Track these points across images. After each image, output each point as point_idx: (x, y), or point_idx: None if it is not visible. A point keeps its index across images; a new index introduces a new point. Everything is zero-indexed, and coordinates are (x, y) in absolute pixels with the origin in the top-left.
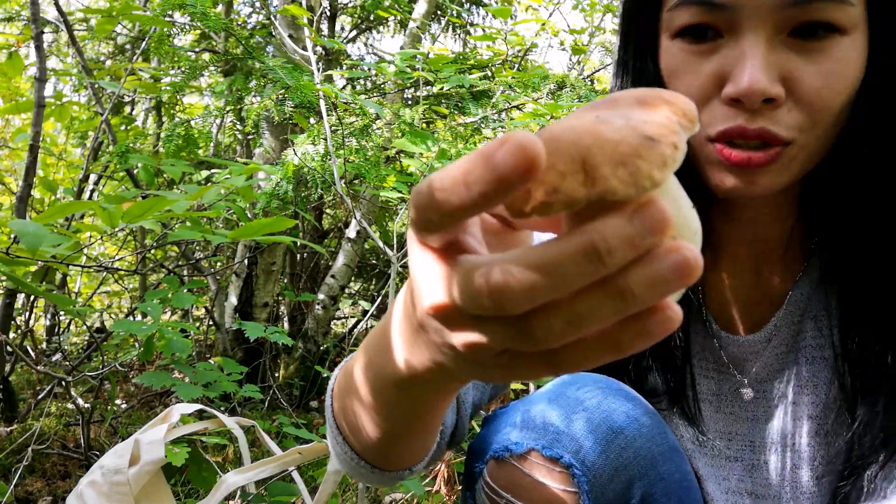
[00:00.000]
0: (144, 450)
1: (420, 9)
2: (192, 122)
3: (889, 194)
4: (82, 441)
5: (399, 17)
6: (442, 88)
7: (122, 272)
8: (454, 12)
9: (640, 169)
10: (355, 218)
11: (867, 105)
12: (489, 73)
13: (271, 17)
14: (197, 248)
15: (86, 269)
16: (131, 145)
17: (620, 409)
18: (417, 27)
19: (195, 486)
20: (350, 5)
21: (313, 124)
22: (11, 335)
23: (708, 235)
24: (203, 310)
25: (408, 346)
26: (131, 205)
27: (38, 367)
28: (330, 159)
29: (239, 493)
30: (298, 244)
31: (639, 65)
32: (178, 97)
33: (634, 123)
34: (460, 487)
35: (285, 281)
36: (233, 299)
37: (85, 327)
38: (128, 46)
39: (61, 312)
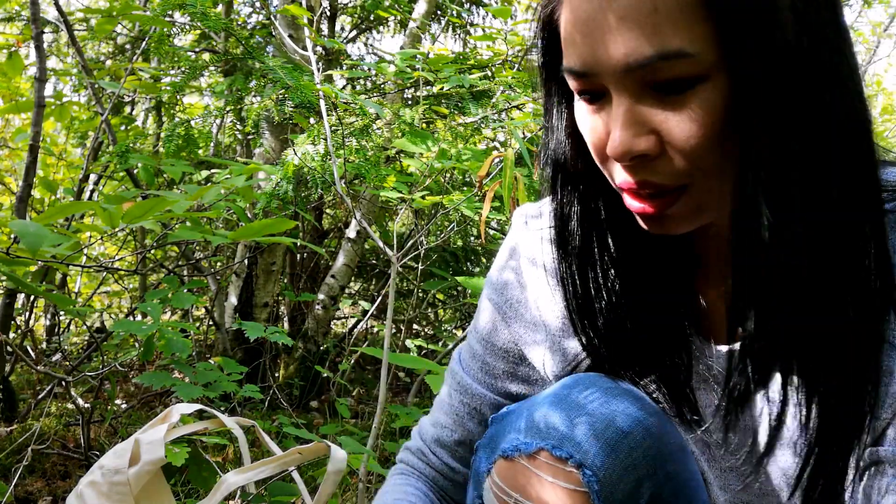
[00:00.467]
0: (144, 450)
1: (420, 9)
2: (192, 122)
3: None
4: (82, 441)
5: (399, 17)
6: (442, 88)
7: (122, 272)
8: (454, 12)
9: None
10: (355, 218)
11: (745, 132)
12: (489, 73)
13: (271, 17)
14: (197, 248)
15: (86, 269)
16: (131, 145)
17: (627, 410)
18: (417, 27)
19: (195, 486)
20: (350, 5)
21: (313, 124)
22: (11, 335)
23: (692, 251)
24: (203, 310)
25: None
26: (131, 205)
27: (38, 367)
28: (330, 159)
29: (239, 493)
30: (298, 244)
31: (558, 114)
32: (178, 97)
33: None
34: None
35: (285, 281)
36: (233, 299)
37: (85, 327)
38: (128, 46)
39: (61, 312)
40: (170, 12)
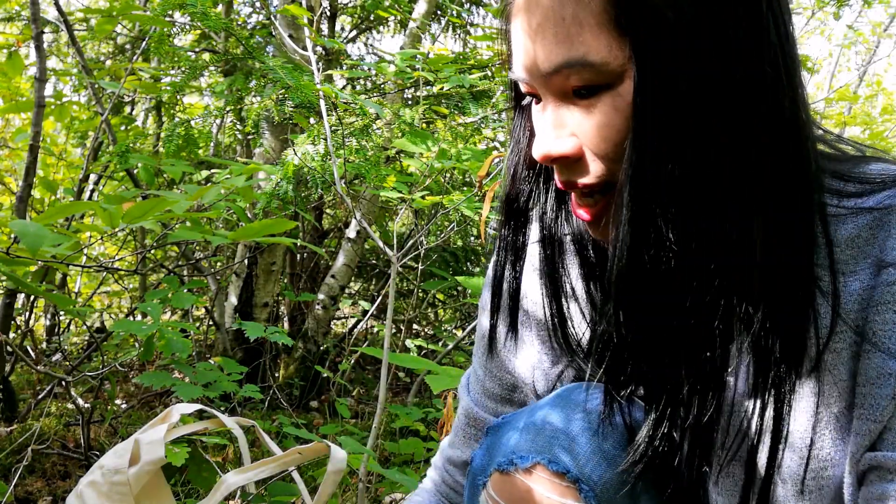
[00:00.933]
0: (144, 450)
1: (420, 9)
2: (192, 122)
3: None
4: (82, 441)
5: (399, 17)
6: (442, 88)
7: (122, 272)
8: (454, 12)
9: None
10: (355, 218)
11: (653, 133)
12: (489, 73)
13: (271, 17)
14: (197, 248)
15: (86, 269)
16: (131, 145)
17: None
18: (417, 27)
19: (195, 486)
20: (350, 5)
21: (313, 124)
22: (11, 335)
23: None
24: (203, 310)
25: None
26: (131, 205)
27: (38, 367)
28: (330, 159)
29: (239, 493)
30: (298, 244)
31: (520, 125)
32: (178, 97)
33: None
34: None
35: (285, 281)
36: (233, 299)
37: (85, 327)
38: (128, 46)
39: (61, 312)
40: (170, 12)
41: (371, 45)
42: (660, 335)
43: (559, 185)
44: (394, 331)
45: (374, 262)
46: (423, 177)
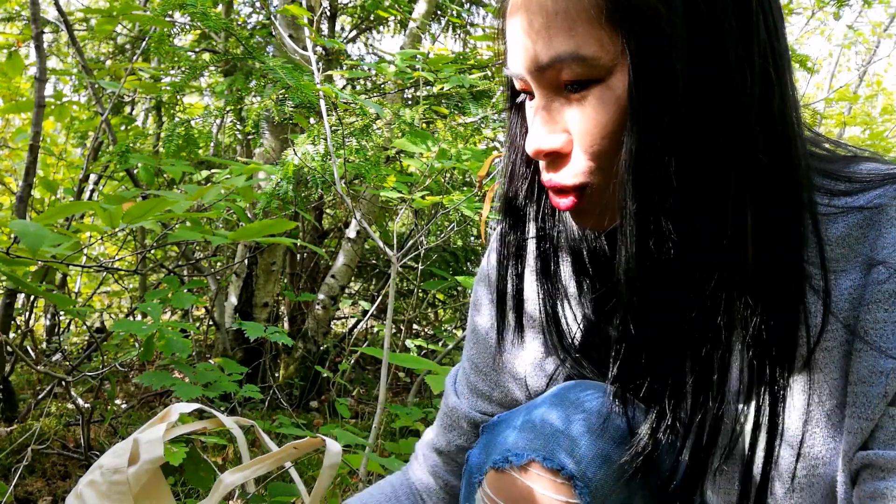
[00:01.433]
0: (143, 449)
1: (420, 9)
2: (192, 122)
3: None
4: (82, 441)
5: (399, 17)
6: (442, 88)
7: (122, 272)
8: (454, 12)
9: None
10: (355, 218)
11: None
12: (489, 73)
13: (271, 17)
14: (197, 248)
15: (86, 269)
16: (131, 145)
17: (623, 418)
18: (417, 27)
19: (193, 485)
20: (350, 5)
21: (313, 124)
22: (11, 335)
23: None
24: (203, 310)
25: None
26: (131, 205)
27: (38, 367)
28: (330, 159)
29: (238, 492)
30: (298, 244)
31: (516, 123)
32: (178, 97)
33: None
34: None
35: (285, 281)
36: (233, 299)
37: (85, 327)
38: (128, 46)
39: (61, 312)
40: (170, 12)
41: (371, 45)
42: (664, 329)
43: (543, 182)
44: (394, 331)
45: (374, 262)
46: (423, 177)
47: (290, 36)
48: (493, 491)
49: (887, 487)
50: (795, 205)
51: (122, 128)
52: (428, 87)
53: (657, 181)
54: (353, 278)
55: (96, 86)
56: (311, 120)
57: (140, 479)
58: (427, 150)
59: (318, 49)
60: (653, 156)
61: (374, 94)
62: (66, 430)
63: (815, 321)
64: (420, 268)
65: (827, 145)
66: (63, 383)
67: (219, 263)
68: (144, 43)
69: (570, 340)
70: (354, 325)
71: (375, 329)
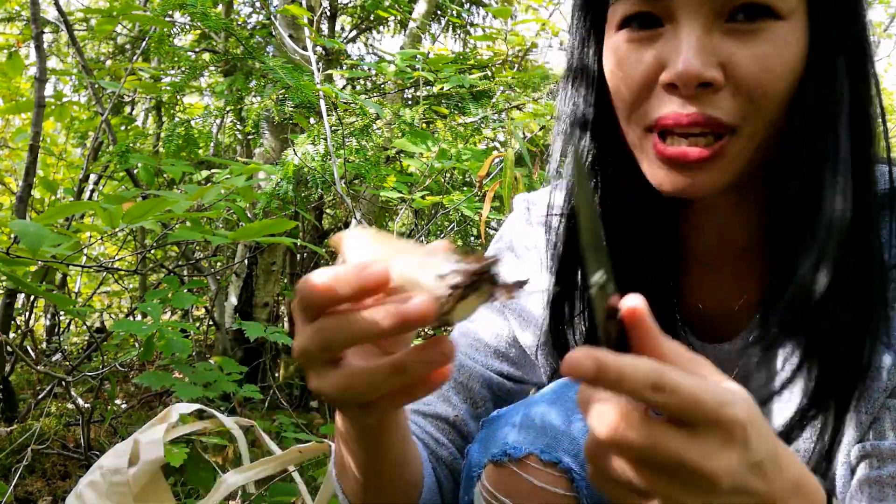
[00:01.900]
0: (144, 450)
1: (420, 9)
2: (192, 122)
3: (832, 188)
4: (82, 441)
5: (399, 17)
6: (442, 88)
7: (122, 272)
8: (454, 12)
9: None
10: (355, 218)
11: (808, 97)
12: (489, 73)
13: (271, 17)
14: (197, 248)
15: (86, 269)
16: (131, 145)
17: None
18: (417, 27)
19: (193, 486)
20: (350, 5)
21: (313, 124)
22: (11, 335)
23: (678, 243)
24: (203, 310)
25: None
26: (132, 205)
27: (38, 367)
28: (330, 159)
29: (239, 493)
30: (298, 244)
31: (585, 61)
32: (178, 97)
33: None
34: None
35: (285, 281)
36: (233, 299)
37: (85, 327)
38: (128, 46)
39: (61, 312)
40: (170, 12)
41: (371, 45)
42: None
43: (680, 118)
44: None
45: None
46: (423, 177)
47: (290, 36)
48: (492, 484)
49: (885, 475)
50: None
51: (122, 128)
52: (428, 87)
53: (830, 140)
54: None
55: (96, 86)
56: (311, 120)
57: (140, 480)
58: (427, 150)
59: (318, 49)
60: (825, 111)
61: (374, 94)
62: (66, 430)
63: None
64: None
65: None
66: (63, 383)
67: (219, 263)
68: (144, 43)
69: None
70: None
71: None
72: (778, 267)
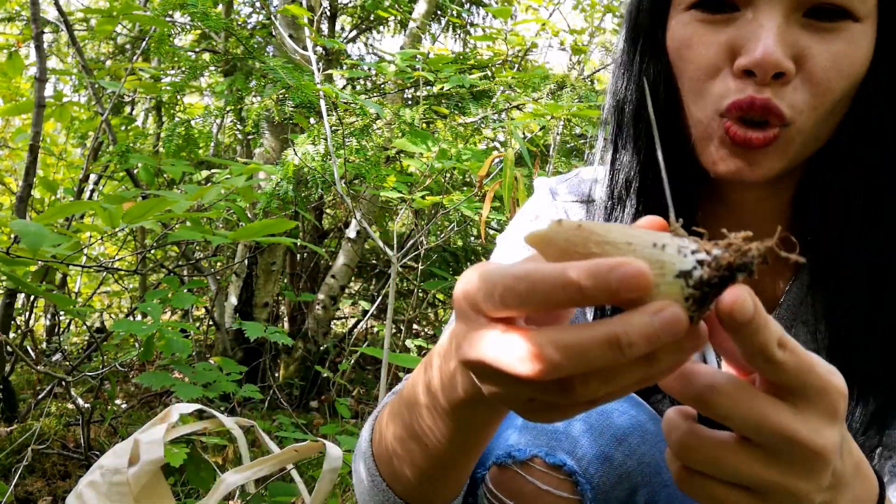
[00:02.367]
0: (144, 450)
1: (420, 9)
2: (192, 122)
3: (879, 194)
4: (82, 441)
5: (399, 17)
6: (442, 88)
7: (122, 272)
8: (454, 12)
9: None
10: (355, 218)
11: (868, 100)
12: (489, 73)
13: (271, 17)
14: (197, 248)
15: (86, 269)
16: (131, 145)
17: (624, 416)
18: (417, 27)
19: (193, 485)
20: (350, 5)
21: (313, 124)
22: (11, 335)
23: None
24: (203, 310)
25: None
26: (132, 205)
27: (38, 367)
28: (330, 159)
29: (238, 492)
30: (298, 244)
31: (649, 41)
32: (178, 97)
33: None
34: None
35: (285, 281)
36: (233, 299)
37: (85, 327)
38: (128, 46)
39: (61, 312)
40: (170, 12)
41: (371, 45)
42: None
43: (755, 103)
44: (394, 331)
45: (374, 262)
46: (423, 177)
47: (290, 36)
48: (496, 486)
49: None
50: None
51: (122, 128)
52: (428, 87)
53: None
54: (353, 278)
55: (96, 86)
56: (311, 120)
57: (140, 480)
58: (427, 150)
59: (318, 49)
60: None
61: (374, 94)
62: (66, 430)
63: None
64: (420, 268)
65: None
66: (63, 383)
67: (219, 263)
68: (144, 43)
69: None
70: (354, 325)
71: (375, 329)
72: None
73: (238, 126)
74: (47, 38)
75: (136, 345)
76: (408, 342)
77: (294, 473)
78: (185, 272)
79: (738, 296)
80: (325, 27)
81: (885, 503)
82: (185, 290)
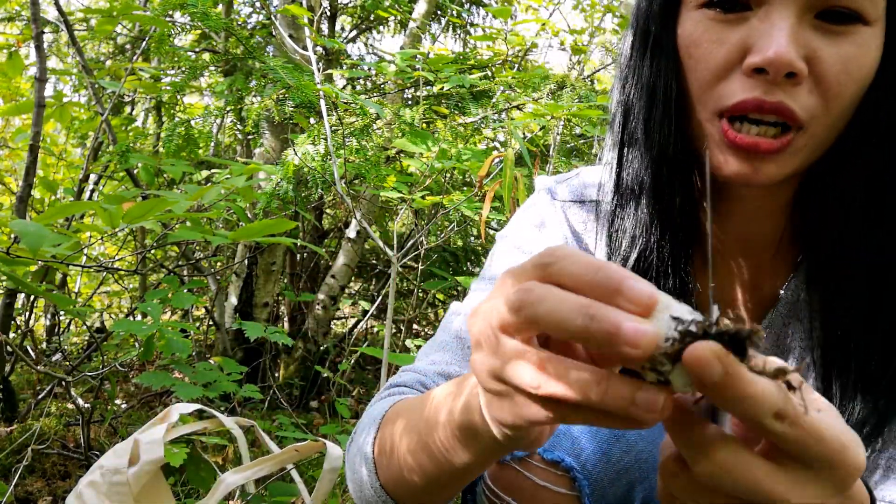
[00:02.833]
0: (144, 450)
1: (420, 9)
2: (193, 122)
3: (881, 195)
4: (82, 441)
5: (399, 17)
6: (442, 88)
7: (122, 272)
8: (454, 12)
9: None
10: (355, 218)
11: (875, 103)
12: (489, 73)
13: (271, 17)
14: (197, 248)
15: (86, 269)
16: (131, 145)
17: None
18: (417, 27)
19: (193, 485)
20: (350, 5)
21: (313, 124)
22: (11, 335)
23: (698, 234)
24: (203, 310)
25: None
26: (132, 205)
27: (38, 367)
28: (330, 159)
29: (238, 492)
30: (298, 244)
31: (658, 40)
32: (178, 97)
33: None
34: None
35: (285, 281)
36: (233, 299)
37: (85, 327)
38: (128, 46)
39: (61, 312)
40: (170, 12)
41: (371, 45)
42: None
43: (763, 104)
44: (394, 331)
45: (374, 262)
46: (423, 177)
47: (290, 36)
48: (494, 482)
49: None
50: None
51: (122, 128)
52: (428, 87)
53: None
54: (353, 278)
55: (96, 86)
56: (311, 120)
57: (140, 480)
58: (427, 150)
59: (318, 49)
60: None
61: (374, 94)
62: (66, 430)
63: None
64: (420, 268)
65: None
66: (63, 383)
67: (219, 263)
68: (144, 43)
69: None
70: (354, 325)
71: (375, 329)
72: (796, 265)
73: (238, 126)
74: (47, 38)
75: (136, 345)
76: (408, 342)
77: (294, 473)
78: (185, 272)
79: (699, 350)
80: (325, 27)
81: None
82: (185, 290)
